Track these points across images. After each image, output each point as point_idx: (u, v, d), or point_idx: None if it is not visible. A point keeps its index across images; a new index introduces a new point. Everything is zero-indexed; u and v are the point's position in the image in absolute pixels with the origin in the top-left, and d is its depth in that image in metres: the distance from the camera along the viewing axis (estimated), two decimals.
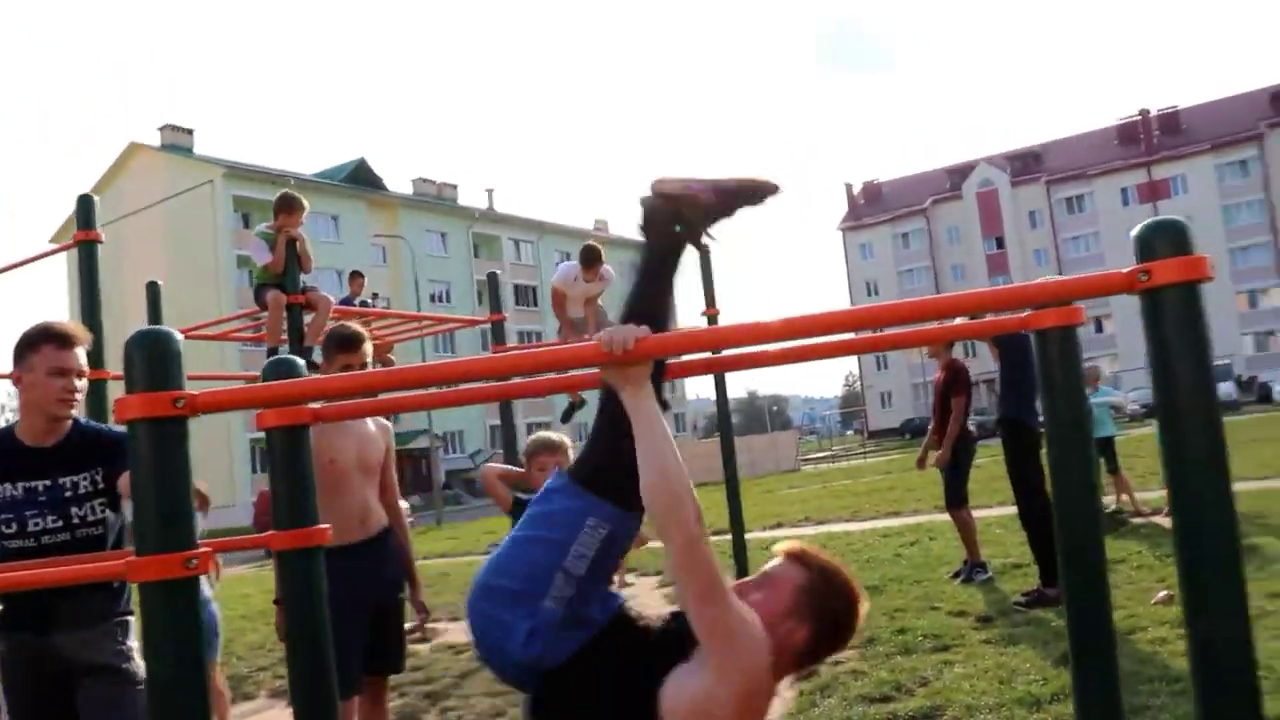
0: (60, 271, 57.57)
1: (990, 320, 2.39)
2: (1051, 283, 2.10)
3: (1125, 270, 1.95)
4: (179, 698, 1.93)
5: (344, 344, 4.08)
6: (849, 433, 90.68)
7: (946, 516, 8.66)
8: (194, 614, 2.00)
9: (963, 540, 8.21)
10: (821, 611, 2.25)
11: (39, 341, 3.17)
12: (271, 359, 2.61)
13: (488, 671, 6.90)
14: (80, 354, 3.23)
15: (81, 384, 3.23)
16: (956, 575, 8.14)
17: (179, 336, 2.05)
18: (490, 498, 4.38)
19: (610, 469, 2.24)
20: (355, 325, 4.29)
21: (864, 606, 2.31)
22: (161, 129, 56.83)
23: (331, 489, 3.92)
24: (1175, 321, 1.92)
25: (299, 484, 2.63)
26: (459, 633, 8.98)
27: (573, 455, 4.12)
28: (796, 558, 2.32)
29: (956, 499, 8.14)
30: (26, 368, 3.15)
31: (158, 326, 2.07)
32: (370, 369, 4.20)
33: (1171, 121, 74.18)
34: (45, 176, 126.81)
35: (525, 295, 67.81)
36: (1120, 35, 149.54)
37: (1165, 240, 1.94)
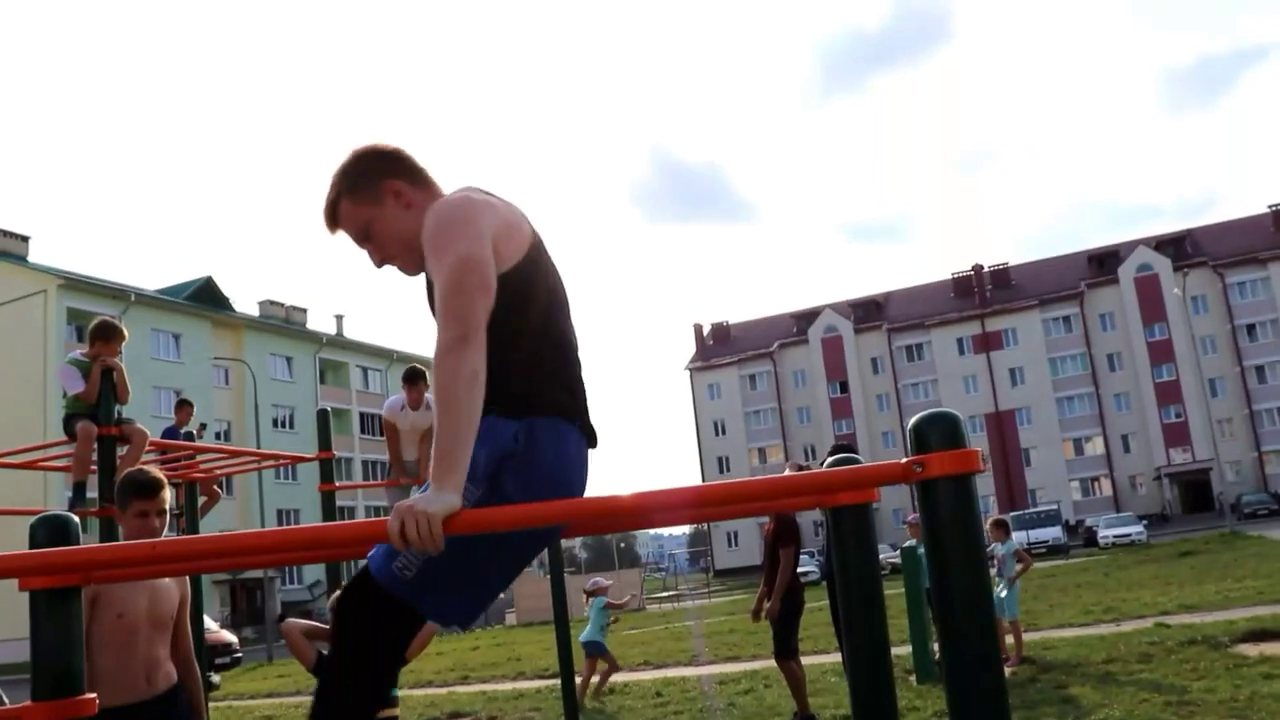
0: None
1: (792, 500, 2.41)
2: (837, 471, 2.16)
3: (903, 461, 2.01)
4: None
5: (140, 490, 3.88)
6: (698, 571, 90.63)
7: None
8: None
9: (792, 693, 8.20)
10: (369, 176, 2.36)
11: None
12: (39, 518, 2.45)
13: None
14: None
15: None
16: None
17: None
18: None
19: None
20: (154, 470, 4.09)
21: (365, 143, 2.42)
22: None
23: (118, 644, 3.69)
24: (948, 510, 1.98)
25: (65, 649, 2.45)
26: None
27: None
28: (331, 210, 2.39)
29: (785, 650, 8.15)
30: None
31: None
32: (167, 516, 3.99)
33: (1003, 277, 78.56)
34: None
35: (372, 424, 66.51)
36: (956, 195, 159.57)
37: (938, 433, 2.00)
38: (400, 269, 2.41)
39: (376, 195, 2.34)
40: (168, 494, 4.02)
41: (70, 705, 2.40)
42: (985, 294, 77.61)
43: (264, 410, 52.25)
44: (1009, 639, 10.40)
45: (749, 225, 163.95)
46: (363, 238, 2.38)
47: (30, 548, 2.49)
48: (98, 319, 6.78)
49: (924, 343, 77.59)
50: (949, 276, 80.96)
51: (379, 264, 2.41)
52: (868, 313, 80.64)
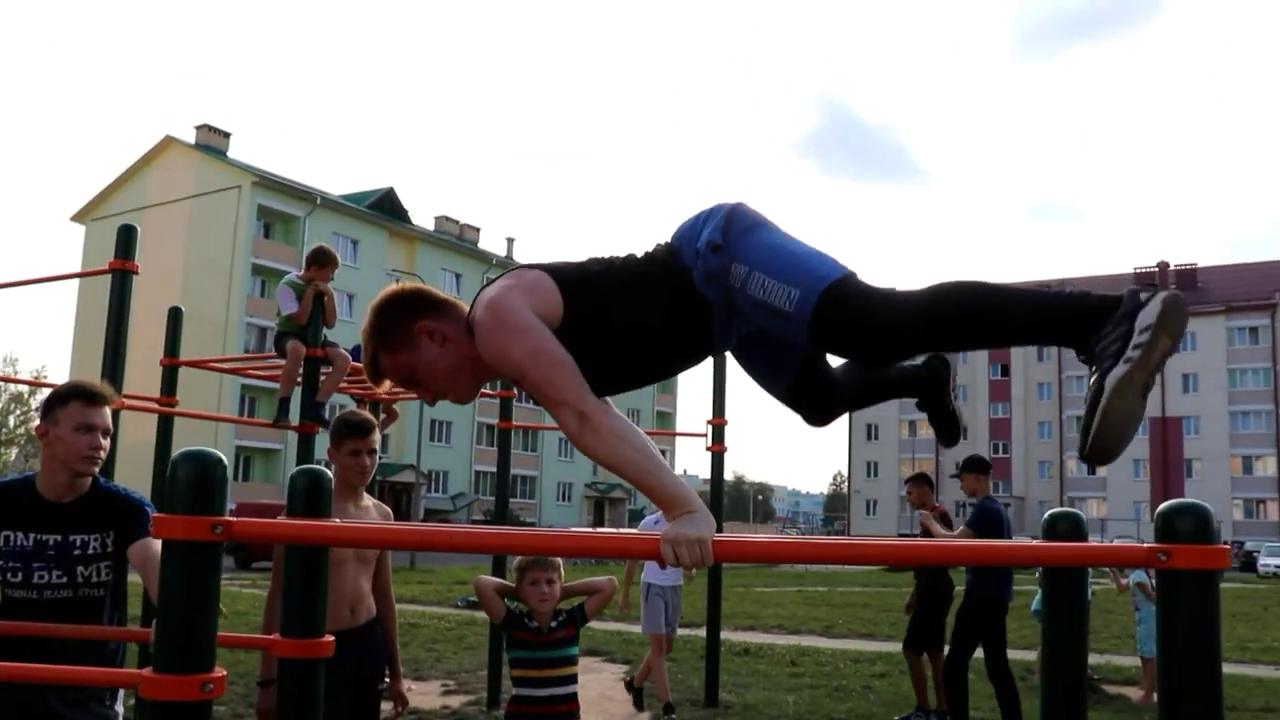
0: (74, 256, 57.89)
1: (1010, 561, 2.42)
2: (1072, 547, 2.18)
3: (1146, 546, 2.01)
4: None
5: (354, 431, 4.13)
6: (833, 532, 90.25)
7: None
8: None
9: (913, 683, 8.24)
10: (399, 322, 2.39)
11: (68, 398, 3.22)
12: (299, 469, 2.65)
13: None
14: (107, 413, 3.28)
15: (106, 442, 3.27)
16: None
17: (224, 460, 2.11)
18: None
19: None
20: (364, 412, 4.36)
21: (382, 293, 2.46)
22: (198, 128, 57.35)
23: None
24: (1189, 605, 1.97)
25: (312, 595, 2.66)
26: (423, 696, 8.89)
27: (563, 574, 4.15)
28: (372, 364, 2.43)
29: (913, 640, 8.17)
30: (53, 422, 3.20)
31: (204, 449, 2.11)
32: (377, 455, 4.23)
33: (1189, 278, 74.96)
34: (70, 150, 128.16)
35: None
36: (1147, 185, 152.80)
37: (1188, 523, 1.99)
38: (453, 400, 2.47)
39: (410, 340, 2.39)
40: (377, 436, 4.27)
41: (315, 645, 2.63)
42: None
43: None
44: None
45: (924, 190, 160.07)
46: (409, 383, 2.44)
47: (289, 496, 2.71)
48: (316, 245, 7.11)
49: None
50: (1130, 270, 77.68)
51: (431, 401, 2.50)
52: None
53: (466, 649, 12.10)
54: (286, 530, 2.28)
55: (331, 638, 2.69)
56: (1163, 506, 2.05)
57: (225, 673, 2.08)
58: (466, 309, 2.44)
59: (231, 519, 2.06)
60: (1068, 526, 2.62)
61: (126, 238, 5.90)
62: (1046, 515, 2.63)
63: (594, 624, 15.60)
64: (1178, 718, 1.95)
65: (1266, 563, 42.58)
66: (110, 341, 5.68)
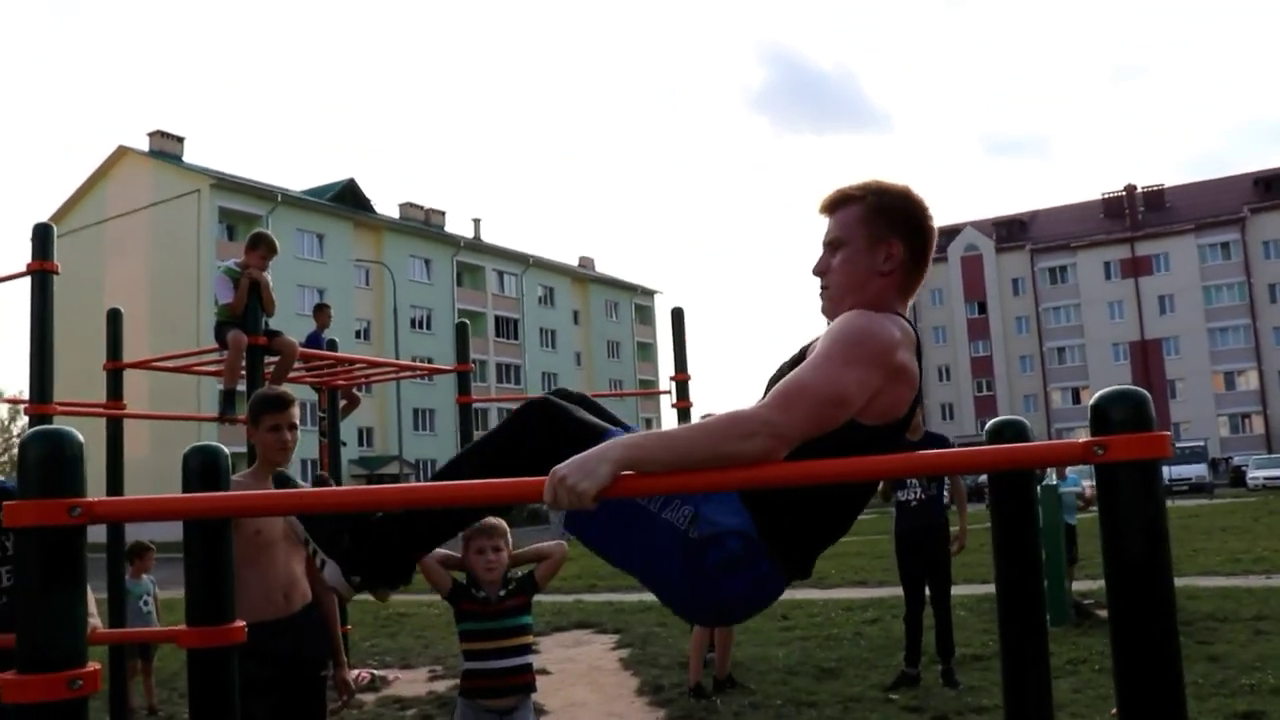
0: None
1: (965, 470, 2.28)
2: (1009, 448, 2.03)
3: (1082, 441, 1.86)
4: None
5: (270, 405, 3.94)
6: None
7: None
8: None
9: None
10: (894, 218, 2.26)
11: None
12: (193, 447, 2.48)
13: None
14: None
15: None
16: None
17: (79, 437, 1.93)
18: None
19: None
20: (279, 388, 4.15)
21: (921, 195, 2.32)
22: (151, 135, 56.55)
23: (255, 561, 3.74)
24: (1130, 497, 1.83)
25: (217, 576, 2.49)
26: (409, 684, 8.75)
27: (510, 541, 3.99)
28: (841, 200, 2.31)
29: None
30: None
31: (55, 426, 1.94)
32: (298, 430, 4.03)
33: (1157, 199, 75.10)
34: (30, 172, 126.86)
35: (506, 328, 67.70)
36: (1109, 109, 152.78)
37: (1123, 412, 1.84)
38: (822, 296, 2.34)
39: (879, 235, 2.26)
40: (295, 410, 4.07)
41: (221, 632, 2.45)
42: (1137, 216, 74.39)
43: (402, 311, 53.45)
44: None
45: (884, 136, 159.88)
46: (832, 246, 2.31)
47: (184, 476, 2.54)
48: (253, 230, 6.91)
49: (1069, 265, 74.97)
50: (1099, 196, 77.85)
51: (818, 272, 2.35)
52: (1010, 231, 78.14)
53: (455, 635, 11.95)
54: (150, 506, 2.09)
55: (243, 623, 2.52)
56: (1094, 397, 1.90)
57: (99, 666, 1.91)
58: (915, 286, 2.33)
59: (92, 500, 1.90)
60: (1013, 433, 2.49)
61: (43, 237, 5.72)
62: (990, 423, 2.49)
63: (586, 595, 15.51)
64: (1123, 610, 1.82)
65: (1255, 475, 42.80)
66: (36, 343, 5.49)
